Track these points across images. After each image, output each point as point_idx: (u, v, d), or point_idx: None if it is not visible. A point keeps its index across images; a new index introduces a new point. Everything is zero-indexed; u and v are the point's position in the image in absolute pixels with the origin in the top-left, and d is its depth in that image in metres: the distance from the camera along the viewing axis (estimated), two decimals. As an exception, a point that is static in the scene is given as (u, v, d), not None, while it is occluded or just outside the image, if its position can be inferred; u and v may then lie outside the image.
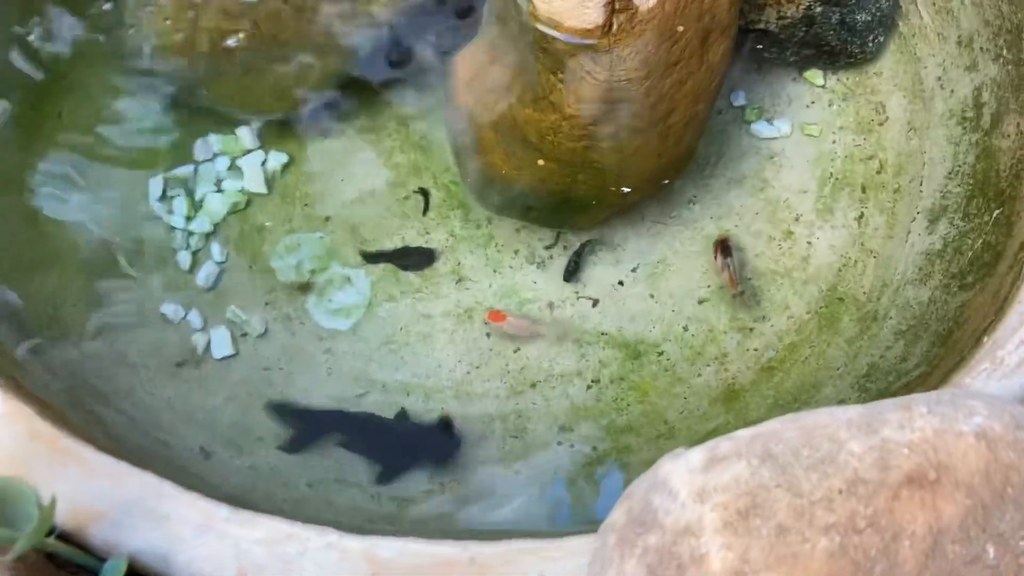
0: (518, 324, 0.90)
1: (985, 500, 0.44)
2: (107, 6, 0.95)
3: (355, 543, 0.53)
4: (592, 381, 0.91)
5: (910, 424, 0.45)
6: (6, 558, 0.50)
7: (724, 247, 0.95)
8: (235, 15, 0.89)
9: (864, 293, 0.93)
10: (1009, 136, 0.85)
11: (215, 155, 0.97)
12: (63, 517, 0.53)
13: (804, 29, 0.96)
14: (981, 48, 0.90)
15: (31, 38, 0.93)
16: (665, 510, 0.44)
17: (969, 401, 0.47)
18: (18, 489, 0.51)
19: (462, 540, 0.54)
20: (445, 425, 0.84)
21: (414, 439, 0.82)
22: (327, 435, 0.82)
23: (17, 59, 0.93)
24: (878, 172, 0.97)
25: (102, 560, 0.54)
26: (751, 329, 0.94)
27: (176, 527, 0.53)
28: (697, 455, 0.45)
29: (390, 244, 0.96)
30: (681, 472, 0.45)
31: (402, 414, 0.84)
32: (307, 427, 0.82)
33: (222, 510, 0.54)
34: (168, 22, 0.91)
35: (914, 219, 0.93)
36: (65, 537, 0.54)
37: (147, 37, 0.92)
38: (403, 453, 0.80)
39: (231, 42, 0.90)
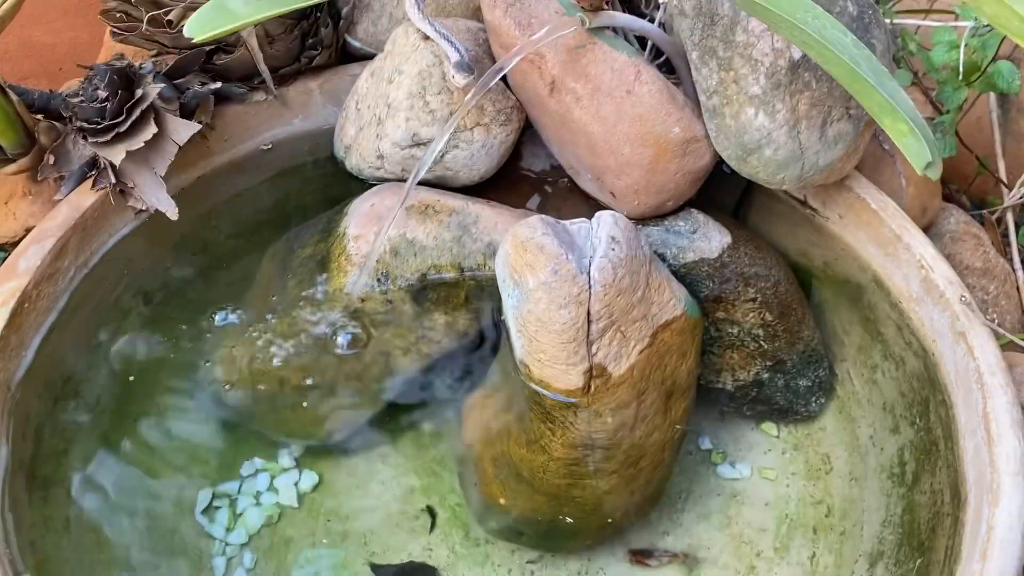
0: None
1: None
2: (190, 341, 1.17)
3: None
4: None
5: None
6: None
7: (645, 554, 1.05)
8: (293, 365, 1.08)
9: (816, 625, 1.01)
10: (926, 493, 0.99)
11: (257, 472, 1.11)
12: None
13: (755, 390, 1.12)
14: (900, 415, 1.06)
15: (115, 349, 1.11)
16: None
17: None
18: None
19: None
20: None
21: None
22: None
23: (103, 370, 1.09)
24: (826, 516, 1.09)
25: None
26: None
27: None
28: None
29: (397, 558, 1.06)
30: None
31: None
32: None
33: None
34: (236, 365, 1.10)
35: (856, 560, 1.03)
36: None
37: (217, 373, 1.12)
38: None
39: (285, 385, 1.10)
